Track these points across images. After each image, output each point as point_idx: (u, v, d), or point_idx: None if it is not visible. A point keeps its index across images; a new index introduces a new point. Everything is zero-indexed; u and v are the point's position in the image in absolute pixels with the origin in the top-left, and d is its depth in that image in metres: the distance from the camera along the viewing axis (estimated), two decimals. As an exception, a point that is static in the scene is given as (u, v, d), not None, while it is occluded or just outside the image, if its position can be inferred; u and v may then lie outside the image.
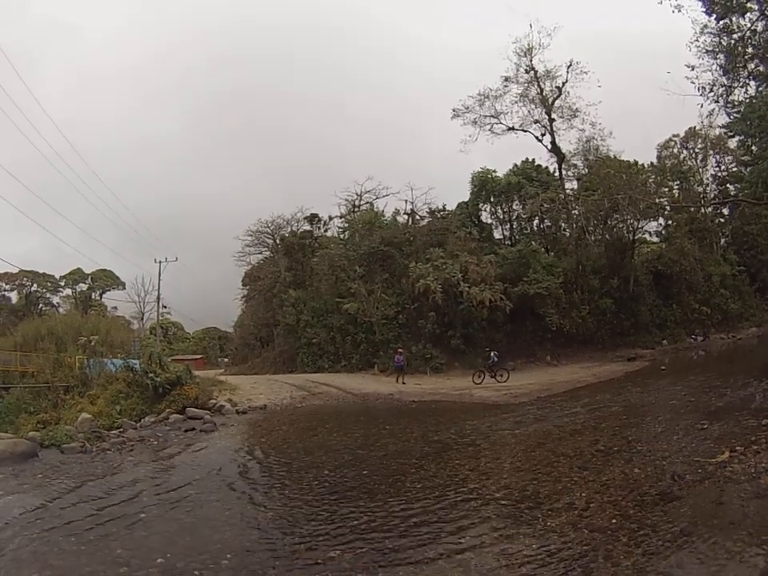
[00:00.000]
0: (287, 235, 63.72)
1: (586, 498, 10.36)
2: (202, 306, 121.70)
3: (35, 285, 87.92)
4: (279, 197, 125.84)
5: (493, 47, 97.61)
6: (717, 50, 33.50)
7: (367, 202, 62.17)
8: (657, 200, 52.26)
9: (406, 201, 58.28)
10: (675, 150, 65.62)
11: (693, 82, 34.65)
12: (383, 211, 60.43)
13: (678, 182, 61.90)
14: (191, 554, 8.97)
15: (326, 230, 65.25)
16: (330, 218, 64.73)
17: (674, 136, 64.81)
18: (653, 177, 55.23)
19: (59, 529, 10.52)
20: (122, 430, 22.58)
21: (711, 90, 34.42)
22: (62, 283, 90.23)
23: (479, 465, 13.96)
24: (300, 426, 23.22)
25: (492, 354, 35.94)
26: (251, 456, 18.27)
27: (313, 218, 64.43)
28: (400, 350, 39.00)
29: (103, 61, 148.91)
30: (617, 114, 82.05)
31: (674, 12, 32.60)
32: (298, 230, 64.41)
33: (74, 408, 25.92)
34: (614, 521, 9.02)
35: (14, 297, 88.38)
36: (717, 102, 35.45)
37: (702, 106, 36.26)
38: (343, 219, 63.26)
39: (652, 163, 60.44)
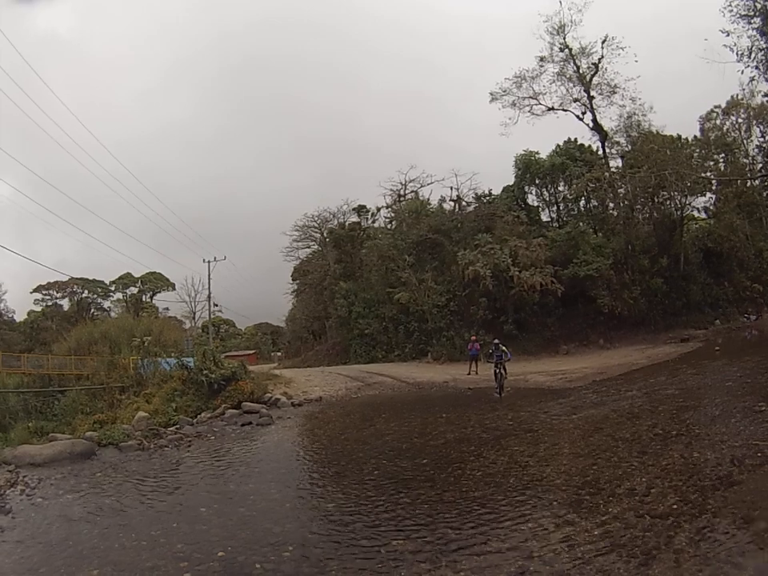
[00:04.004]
0: (335, 228, 63.98)
1: (646, 483, 10.31)
2: (253, 302, 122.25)
3: (86, 291, 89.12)
4: (315, 178, 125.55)
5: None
6: (752, 13, 33.02)
7: (412, 191, 62.23)
8: (703, 174, 51.34)
9: (452, 188, 58.45)
10: (718, 122, 64.15)
11: (731, 49, 34.18)
12: (429, 199, 60.65)
13: (723, 155, 60.52)
14: (252, 547, 9.12)
15: (373, 221, 65.55)
16: (378, 209, 65.03)
17: (716, 107, 63.11)
18: (697, 150, 54.19)
19: (119, 525, 10.82)
20: (178, 426, 23.14)
21: (749, 56, 33.90)
22: (112, 288, 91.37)
23: (538, 451, 14.00)
24: (356, 416, 23.39)
25: (503, 347, 26.81)
26: (309, 448, 18.65)
27: (360, 210, 64.63)
28: (474, 338, 37.95)
29: (112, 43, 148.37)
30: (652, 82, 79.90)
31: None
32: (345, 221, 64.63)
33: (129, 407, 26.57)
34: (674, 506, 8.97)
35: (65, 304, 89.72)
36: (757, 68, 34.88)
37: (741, 73, 35.67)
38: (390, 209, 63.42)
39: (695, 136, 59.20)
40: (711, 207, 58.97)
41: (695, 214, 57.86)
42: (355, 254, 59.48)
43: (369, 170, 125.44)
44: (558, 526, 8.89)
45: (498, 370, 26.01)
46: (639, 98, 53.34)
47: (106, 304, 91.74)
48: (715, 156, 56.86)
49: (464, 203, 57.90)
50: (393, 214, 62.50)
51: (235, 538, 9.63)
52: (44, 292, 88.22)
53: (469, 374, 34.36)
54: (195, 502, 12.16)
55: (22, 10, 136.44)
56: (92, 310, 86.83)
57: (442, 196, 60.04)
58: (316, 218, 66.03)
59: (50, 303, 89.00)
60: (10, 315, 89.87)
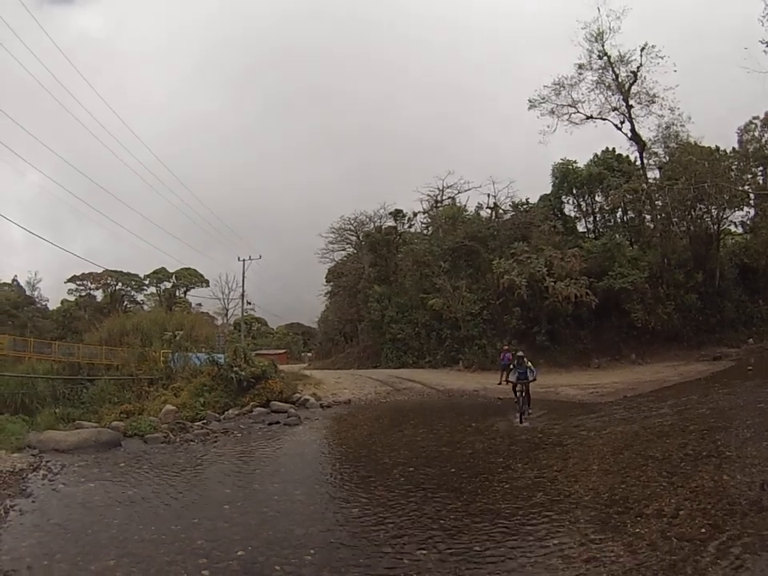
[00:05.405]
0: (371, 231, 64.42)
1: (675, 504, 10.17)
2: (286, 303, 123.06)
3: (120, 284, 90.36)
4: (346, 172, 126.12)
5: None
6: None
7: (449, 197, 62.22)
8: (741, 187, 50.51)
9: (489, 195, 58.06)
10: (756, 134, 62.91)
11: None
12: (466, 206, 60.58)
13: (761, 168, 59.45)
14: (273, 548, 9.11)
15: (410, 226, 65.73)
16: (414, 214, 65.14)
17: (754, 118, 62.04)
18: (735, 163, 53.27)
19: (139, 517, 10.88)
20: (205, 421, 23.40)
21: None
22: (147, 282, 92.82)
23: (567, 466, 13.89)
24: (385, 421, 23.50)
25: (527, 362, 22.41)
26: (336, 451, 18.74)
27: (397, 214, 64.84)
28: (506, 347, 37.58)
29: (141, 39, 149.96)
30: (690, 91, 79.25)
31: None
32: (381, 225, 64.95)
33: (157, 399, 26.96)
34: (702, 530, 8.84)
35: (99, 295, 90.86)
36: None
37: None
38: (426, 215, 63.57)
39: (734, 148, 58.18)
40: (748, 222, 58.12)
41: (732, 228, 57.09)
42: (390, 259, 59.91)
43: (400, 164, 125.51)
44: (584, 544, 8.77)
45: (519, 390, 21.74)
46: (678, 108, 52.85)
47: (140, 297, 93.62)
48: (753, 169, 56.02)
49: (501, 211, 57.57)
50: (429, 220, 62.56)
51: (256, 537, 9.63)
52: (78, 282, 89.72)
53: (500, 383, 33.91)
54: (218, 499, 12.23)
55: (57, 11, 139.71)
56: (125, 303, 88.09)
57: (478, 203, 59.84)
58: (352, 221, 66.85)
59: (83, 293, 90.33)
60: (44, 303, 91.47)
